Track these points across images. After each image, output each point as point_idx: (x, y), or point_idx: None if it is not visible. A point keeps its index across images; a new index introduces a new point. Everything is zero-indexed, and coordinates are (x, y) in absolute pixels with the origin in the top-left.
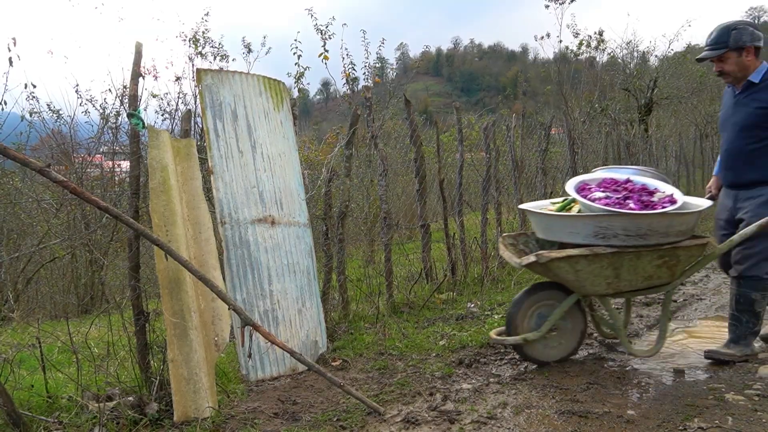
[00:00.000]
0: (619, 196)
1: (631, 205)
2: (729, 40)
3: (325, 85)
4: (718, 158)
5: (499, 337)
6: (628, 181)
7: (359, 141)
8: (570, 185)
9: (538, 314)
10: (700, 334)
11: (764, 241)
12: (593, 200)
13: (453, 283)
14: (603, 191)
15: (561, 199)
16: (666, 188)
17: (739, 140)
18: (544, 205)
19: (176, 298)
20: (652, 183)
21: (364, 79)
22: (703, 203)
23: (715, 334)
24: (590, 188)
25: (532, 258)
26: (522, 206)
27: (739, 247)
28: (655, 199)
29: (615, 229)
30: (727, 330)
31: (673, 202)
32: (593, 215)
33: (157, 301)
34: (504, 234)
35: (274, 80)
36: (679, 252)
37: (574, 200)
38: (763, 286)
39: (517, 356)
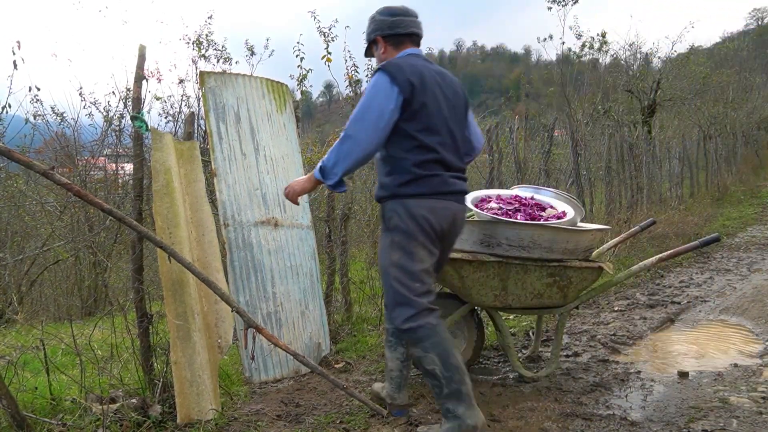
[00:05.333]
0: (510, 208)
1: (519, 217)
2: (367, 32)
3: (328, 87)
4: None
5: None
6: (530, 198)
7: None
8: (468, 197)
9: None
10: (703, 336)
11: (385, 284)
12: (486, 210)
13: None
14: (498, 203)
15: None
16: (561, 207)
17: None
18: None
19: (179, 301)
20: (551, 202)
21: (367, 82)
22: (596, 227)
23: (718, 335)
24: (489, 200)
25: None
26: None
27: None
28: (544, 214)
29: (498, 238)
30: (729, 332)
31: (558, 218)
32: (478, 221)
33: (160, 304)
34: None
35: (277, 82)
36: (569, 273)
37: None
38: (410, 339)
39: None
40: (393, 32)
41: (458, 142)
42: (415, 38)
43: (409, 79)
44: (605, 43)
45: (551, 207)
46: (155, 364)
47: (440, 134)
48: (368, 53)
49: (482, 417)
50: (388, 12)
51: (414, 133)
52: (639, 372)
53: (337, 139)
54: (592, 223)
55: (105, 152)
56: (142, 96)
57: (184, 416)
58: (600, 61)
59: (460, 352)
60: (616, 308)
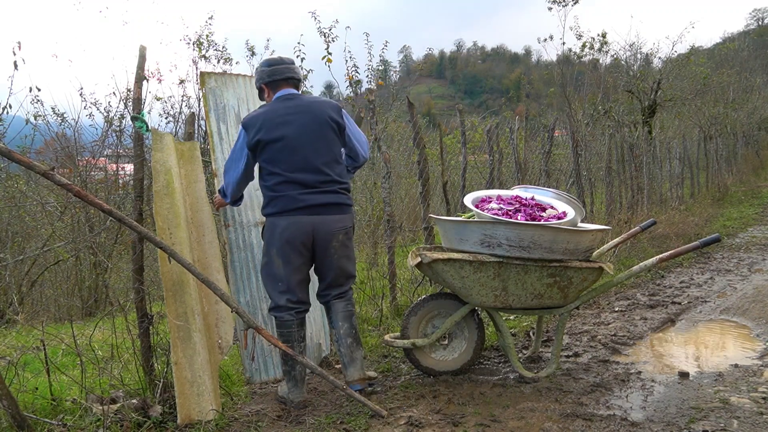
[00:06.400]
0: (510, 208)
1: (519, 217)
2: (254, 81)
3: (329, 87)
4: None
5: (391, 339)
6: (531, 198)
7: None
8: (469, 198)
9: (432, 323)
10: (704, 336)
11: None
12: (486, 210)
13: None
14: (498, 203)
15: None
16: (561, 207)
17: None
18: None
19: (180, 301)
20: (552, 202)
21: (367, 82)
22: (597, 227)
23: (719, 336)
24: (489, 201)
25: (418, 258)
26: (432, 215)
27: None
28: (544, 214)
29: (499, 238)
30: (730, 332)
31: (559, 218)
32: (479, 222)
33: (160, 304)
34: (419, 246)
35: None
36: (570, 273)
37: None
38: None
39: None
40: (271, 79)
41: (318, 162)
42: (291, 80)
43: (256, 127)
44: (605, 43)
45: (551, 207)
46: (156, 364)
47: (289, 161)
48: (261, 97)
49: (303, 397)
50: (267, 64)
51: (264, 165)
52: (639, 372)
53: None
54: (592, 223)
55: (105, 153)
56: (143, 96)
57: (184, 417)
58: (600, 61)
59: (463, 353)
60: (616, 309)
